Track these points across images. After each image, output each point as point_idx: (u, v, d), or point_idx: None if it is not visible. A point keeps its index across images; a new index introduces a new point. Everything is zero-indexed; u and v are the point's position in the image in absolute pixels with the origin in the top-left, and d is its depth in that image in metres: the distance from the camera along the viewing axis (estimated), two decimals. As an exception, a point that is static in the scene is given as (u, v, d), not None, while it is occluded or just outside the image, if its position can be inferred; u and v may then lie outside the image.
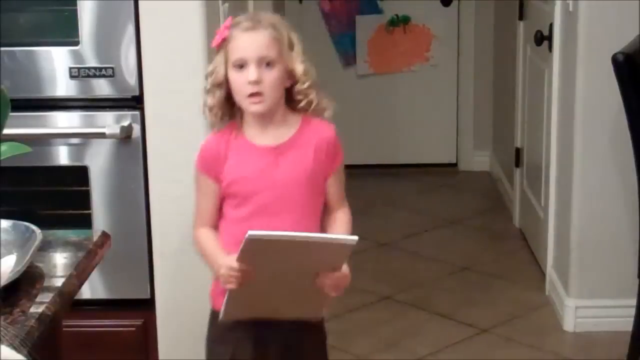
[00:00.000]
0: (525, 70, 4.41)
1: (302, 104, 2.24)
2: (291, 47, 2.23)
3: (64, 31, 2.68)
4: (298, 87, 2.23)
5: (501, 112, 5.24)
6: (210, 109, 2.22)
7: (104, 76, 2.67)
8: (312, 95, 2.25)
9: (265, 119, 2.21)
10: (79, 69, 2.67)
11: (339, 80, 5.60)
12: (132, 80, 2.67)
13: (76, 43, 2.66)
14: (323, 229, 2.28)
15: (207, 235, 2.27)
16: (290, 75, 2.22)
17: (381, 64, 5.63)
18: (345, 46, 5.62)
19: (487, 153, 5.61)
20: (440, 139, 5.69)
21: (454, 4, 5.52)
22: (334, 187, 2.33)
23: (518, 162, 4.59)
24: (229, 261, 2.11)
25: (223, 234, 2.26)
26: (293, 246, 2.03)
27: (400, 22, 5.58)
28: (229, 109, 2.24)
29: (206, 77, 2.24)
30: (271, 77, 2.17)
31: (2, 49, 2.65)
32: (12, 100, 1.73)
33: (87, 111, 2.71)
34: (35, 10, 2.74)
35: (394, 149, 5.67)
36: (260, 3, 3.50)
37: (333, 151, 2.29)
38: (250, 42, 2.16)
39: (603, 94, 3.34)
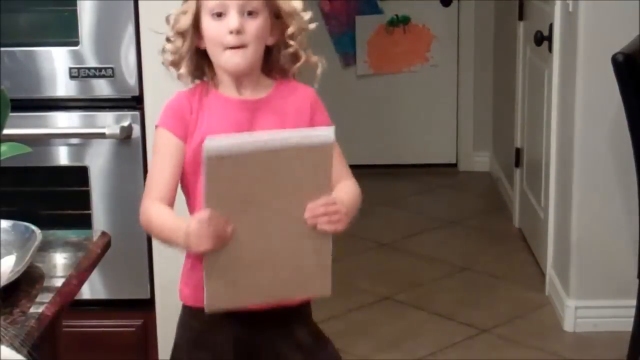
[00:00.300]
0: (525, 71, 4.41)
1: (286, 58, 2.01)
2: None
3: (64, 31, 2.68)
4: (289, 31, 1.98)
5: (501, 113, 5.24)
6: (174, 52, 1.96)
7: (104, 76, 2.67)
8: (301, 51, 2.04)
9: (242, 77, 1.97)
10: (78, 69, 2.67)
11: (339, 80, 5.60)
12: (132, 80, 2.67)
13: (76, 43, 2.66)
14: None
15: (164, 209, 1.92)
16: (274, 32, 1.97)
17: (381, 64, 5.63)
18: (345, 46, 5.62)
19: (487, 153, 5.61)
20: (440, 139, 5.69)
21: (454, 4, 5.52)
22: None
23: (518, 163, 4.59)
24: (197, 214, 1.79)
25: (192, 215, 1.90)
26: (264, 160, 1.72)
27: (400, 22, 5.58)
28: (195, 67, 1.98)
29: (167, 20, 1.98)
30: (255, 26, 1.92)
31: (2, 49, 2.65)
32: (12, 101, 1.73)
33: (87, 111, 2.71)
34: (35, 11, 2.74)
35: (394, 149, 5.67)
36: (260, 3, 3.49)
37: (318, 112, 2.04)
38: None
39: (603, 94, 3.34)
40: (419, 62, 5.61)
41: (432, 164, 5.67)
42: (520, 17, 4.49)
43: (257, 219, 1.76)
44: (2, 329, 1.37)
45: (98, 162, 2.72)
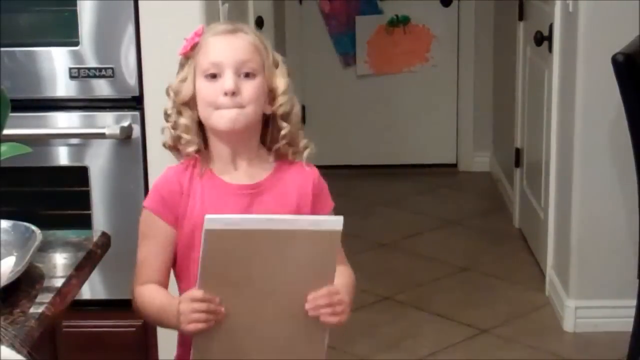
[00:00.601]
0: (525, 71, 4.41)
1: (283, 140, 1.85)
2: (275, 64, 1.87)
3: (64, 31, 2.68)
4: (279, 111, 1.85)
5: (501, 113, 5.24)
6: (187, 131, 1.82)
7: (103, 76, 2.67)
8: (294, 131, 1.87)
9: (238, 149, 1.84)
10: (78, 69, 2.67)
11: (339, 80, 5.61)
12: (132, 80, 2.67)
13: (76, 43, 2.66)
14: None
15: (155, 289, 1.82)
16: (270, 97, 1.84)
17: (381, 65, 5.63)
18: (345, 47, 5.62)
19: (487, 153, 5.61)
20: (440, 139, 5.69)
21: (454, 4, 5.52)
22: None
23: (518, 163, 4.59)
24: (189, 292, 1.70)
25: None
26: (265, 240, 1.65)
27: (400, 22, 5.58)
28: (199, 136, 1.84)
29: (167, 92, 1.87)
30: (251, 87, 1.80)
31: (2, 49, 2.65)
32: (12, 101, 1.73)
33: (87, 111, 2.71)
34: (35, 11, 2.73)
35: (394, 150, 5.67)
36: (260, 4, 3.49)
37: (321, 196, 1.92)
38: (227, 44, 1.81)
39: (603, 94, 3.34)
40: (419, 62, 5.61)
41: (432, 164, 5.67)
42: (520, 17, 4.49)
43: (252, 301, 1.69)
44: (2, 329, 1.37)
45: (98, 162, 2.72)
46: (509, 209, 4.84)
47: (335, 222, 1.70)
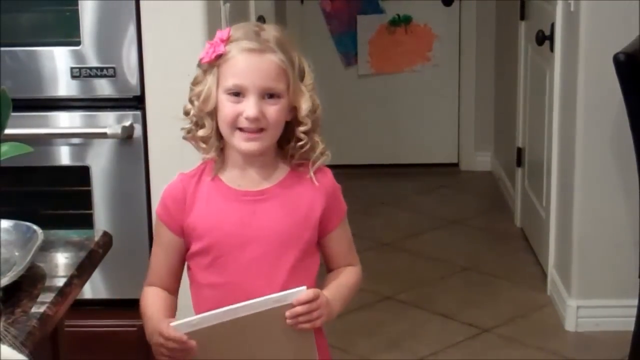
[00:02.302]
0: (527, 70, 4.41)
1: (302, 150, 1.83)
2: (302, 76, 1.83)
3: (65, 31, 2.68)
4: (300, 128, 1.82)
5: (502, 112, 5.24)
6: (205, 141, 1.81)
7: (105, 76, 2.67)
8: (315, 138, 1.84)
9: (254, 160, 1.82)
10: (80, 69, 2.67)
11: (341, 80, 5.60)
12: (133, 80, 2.67)
13: (77, 43, 2.66)
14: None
15: (154, 294, 1.86)
16: (291, 109, 1.82)
17: (382, 64, 5.63)
18: (347, 46, 5.62)
19: (488, 153, 5.61)
20: (442, 138, 5.69)
21: (456, 3, 5.52)
22: (339, 244, 1.91)
23: (519, 162, 4.59)
24: (164, 326, 1.71)
25: (195, 304, 1.86)
26: (236, 330, 1.68)
27: (401, 22, 5.57)
28: (220, 140, 1.82)
29: (191, 101, 1.82)
30: (275, 111, 1.76)
31: (4, 49, 2.65)
32: (13, 101, 1.73)
33: (88, 111, 2.71)
34: (36, 10, 2.74)
35: (396, 149, 5.67)
36: (261, 3, 3.49)
37: (335, 202, 1.90)
38: (253, 67, 1.75)
39: (604, 93, 3.34)
40: (421, 61, 5.61)
41: (434, 164, 5.67)
42: (522, 17, 4.49)
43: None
44: (3, 329, 1.37)
45: (99, 162, 2.72)
46: (510, 209, 4.84)
47: (299, 293, 1.72)
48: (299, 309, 1.71)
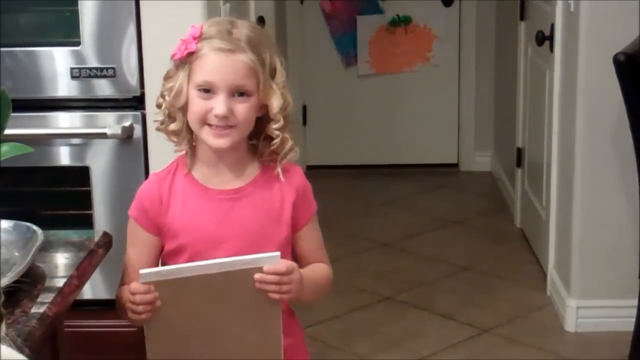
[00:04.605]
0: (527, 71, 4.41)
1: (274, 146, 1.85)
2: (273, 74, 1.84)
3: (65, 31, 2.68)
4: (272, 125, 1.83)
5: (502, 112, 5.24)
6: (177, 134, 1.84)
7: (105, 76, 2.67)
8: (285, 135, 1.85)
9: (224, 155, 1.84)
10: (80, 69, 2.67)
11: (340, 80, 5.61)
12: (133, 80, 2.67)
13: (77, 43, 2.66)
14: None
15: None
16: (262, 107, 1.83)
17: (382, 64, 5.63)
18: (347, 46, 5.62)
19: (488, 153, 5.61)
20: (442, 139, 5.69)
21: (455, 4, 5.52)
22: (308, 243, 1.92)
23: (519, 162, 4.59)
24: (132, 284, 1.72)
25: None
26: (205, 286, 1.69)
27: (401, 22, 5.57)
28: (191, 134, 1.84)
29: (163, 96, 1.84)
30: (244, 109, 1.79)
31: (4, 49, 2.65)
32: (13, 101, 1.73)
33: (88, 111, 2.71)
34: (36, 11, 2.74)
35: (395, 149, 5.67)
36: (261, 3, 3.49)
37: (305, 199, 1.91)
38: (223, 65, 1.78)
39: (604, 94, 3.34)
40: (420, 62, 5.61)
41: (433, 164, 5.67)
42: (522, 17, 4.49)
43: (204, 343, 1.75)
44: (3, 329, 1.37)
45: (99, 162, 2.72)
46: (510, 209, 4.84)
47: (273, 259, 1.72)
48: (269, 277, 1.71)
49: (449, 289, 3.99)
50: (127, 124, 2.68)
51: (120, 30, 2.65)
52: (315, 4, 5.58)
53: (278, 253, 1.73)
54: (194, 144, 1.86)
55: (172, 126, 1.84)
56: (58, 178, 2.75)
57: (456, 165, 5.72)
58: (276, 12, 4.61)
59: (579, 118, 3.45)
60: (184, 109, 1.82)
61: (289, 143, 1.86)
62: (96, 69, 2.67)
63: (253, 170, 1.88)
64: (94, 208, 2.74)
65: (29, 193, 2.76)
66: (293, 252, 1.92)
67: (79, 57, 2.67)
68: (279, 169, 1.87)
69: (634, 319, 3.00)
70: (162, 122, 1.86)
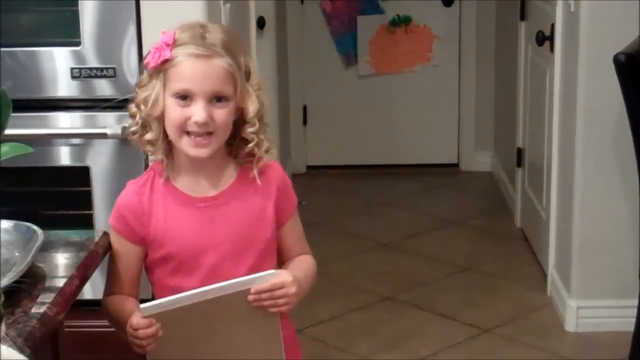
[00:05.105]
0: (527, 71, 4.41)
1: (249, 149, 1.83)
2: (247, 76, 1.82)
3: (66, 32, 2.68)
4: (248, 129, 1.82)
5: (503, 113, 5.24)
6: (153, 144, 1.81)
7: (105, 76, 2.67)
8: (260, 137, 1.83)
9: (203, 163, 1.82)
10: (80, 69, 2.67)
11: (340, 80, 5.61)
12: (133, 80, 2.67)
13: (77, 43, 2.66)
14: None
15: (119, 301, 1.86)
16: (237, 110, 1.81)
17: (382, 64, 5.63)
18: (347, 46, 5.62)
19: (488, 153, 5.61)
20: (442, 139, 5.69)
21: (456, 4, 5.52)
22: (291, 236, 1.93)
23: (519, 163, 4.59)
24: (133, 319, 1.72)
25: None
26: (205, 311, 1.71)
27: (401, 22, 5.57)
28: (168, 144, 1.82)
29: (138, 105, 1.81)
30: (223, 114, 1.76)
31: (4, 49, 2.65)
32: (13, 101, 1.73)
33: (88, 112, 2.71)
34: (36, 11, 2.74)
35: (395, 149, 5.67)
36: (261, 3, 3.50)
37: (285, 194, 1.90)
38: (201, 73, 1.75)
39: (604, 94, 3.34)
40: (421, 62, 5.61)
41: (434, 164, 5.67)
42: (522, 17, 4.49)
43: (199, 337, 1.76)
44: (3, 329, 1.37)
45: (100, 162, 2.72)
46: (510, 209, 4.84)
47: (269, 276, 1.75)
48: (262, 295, 1.73)
49: (449, 289, 3.99)
50: (127, 124, 2.68)
51: (120, 30, 2.65)
52: (315, 4, 5.58)
53: (273, 271, 1.76)
54: (171, 151, 1.84)
55: (148, 136, 1.81)
56: (58, 178, 2.75)
57: (456, 165, 5.72)
58: (276, 12, 4.62)
59: (579, 118, 3.45)
60: (160, 118, 1.79)
61: (265, 145, 1.85)
62: (96, 69, 2.67)
63: (231, 173, 1.87)
64: (94, 208, 2.74)
65: (29, 193, 2.76)
66: (277, 248, 1.93)
67: (79, 57, 2.67)
68: (254, 172, 1.85)
69: (634, 319, 3.00)
70: (134, 133, 1.84)
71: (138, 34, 2.64)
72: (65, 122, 2.72)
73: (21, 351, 1.35)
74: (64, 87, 2.69)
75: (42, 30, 2.75)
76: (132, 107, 1.84)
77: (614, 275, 3.50)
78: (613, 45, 2.99)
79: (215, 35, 1.79)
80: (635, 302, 3.00)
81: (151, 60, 1.78)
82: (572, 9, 3.49)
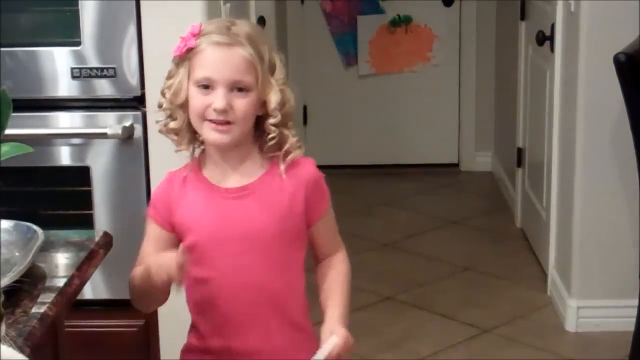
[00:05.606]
0: (527, 71, 4.41)
1: (271, 142, 1.84)
2: (272, 70, 1.84)
3: (66, 31, 2.68)
4: (269, 121, 1.82)
5: (503, 113, 5.24)
6: (177, 133, 1.85)
7: (105, 76, 2.67)
8: (285, 131, 1.84)
9: (230, 153, 1.84)
10: (80, 69, 2.67)
11: (341, 80, 5.61)
12: (133, 80, 2.67)
13: (78, 43, 2.66)
14: (315, 282, 1.96)
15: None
16: (262, 104, 1.82)
17: (383, 64, 5.63)
18: (347, 46, 5.62)
19: (488, 153, 5.61)
20: (442, 139, 5.69)
21: (456, 4, 5.52)
22: (324, 234, 1.93)
23: (520, 163, 4.59)
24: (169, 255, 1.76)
25: (187, 297, 1.90)
26: None
27: (401, 22, 5.58)
28: (193, 133, 1.85)
29: (163, 94, 1.85)
30: (243, 104, 1.78)
31: (4, 49, 2.65)
32: (13, 101, 1.73)
33: (88, 111, 2.71)
34: (36, 11, 2.74)
35: (396, 149, 5.67)
36: (262, 3, 3.49)
37: (317, 192, 1.89)
38: (222, 60, 1.78)
39: (605, 94, 3.34)
40: (421, 62, 5.62)
41: (434, 164, 5.68)
42: (522, 17, 4.50)
43: None
44: (4, 329, 1.38)
45: (100, 162, 2.72)
46: (510, 209, 4.84)
47: (331, 342, 1.84)
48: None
49: (449, 289, 3.99)
50: (127, 123, 2.68)
51: (120, 30, 2.65)
52: (315, 4, 5.59)
53: (334, 337, 1.83)
54: (202, 142, 1.86)
55: (172, 124, 1.84)
56: (58, 178, 2.75)
57: (457, 165, 5.72)
58: (276, 12, 4.61)
59: (580, 118, 3.45)
60: (185, 107, 1.82)
61: (291, 140, 1.85)
62: (97, 69, 2.67)
63: (259, 167, 1.87)
64: (94, 208, 2.74)
65: (30, 193, 2.75)
66: (310, 243, 1.93)
67: (79, 57, 2.67)
68: (282, 167, 1.86)
69: (634, 319, 3.00)
70: (164, 124, 1.87)
71: (138, 34, 2.64)
72: (65, 122, 2.72)
73: (21, 351, 1.35)
74: (64, 87, 2.69)
75: (42, 30, 2.75)
76: (160, 98, 1.87)
77: (614, 275, 3.50)
78: (613, 45, 2.99)
79: (240, 27, 1.82)
80: (635, 302, 3.00)
81: (177, 50, 1.82)
82: (572, 9, 3.49)
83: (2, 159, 1.72)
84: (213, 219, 1.84)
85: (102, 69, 2.67)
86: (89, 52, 2.66)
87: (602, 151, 3.44)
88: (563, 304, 3.62)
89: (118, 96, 2.70)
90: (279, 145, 1.85)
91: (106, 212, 2.74)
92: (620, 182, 3.44)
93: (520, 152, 4.59)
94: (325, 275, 1.97)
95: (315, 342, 1.96)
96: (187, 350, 1.96)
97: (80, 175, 2.73)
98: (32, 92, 2.69)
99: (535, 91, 4.24)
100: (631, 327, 3.02)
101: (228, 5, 2.86)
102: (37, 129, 2.67)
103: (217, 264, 1.84)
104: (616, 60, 2.86)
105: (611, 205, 3.48)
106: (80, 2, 2.64)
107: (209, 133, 1.80)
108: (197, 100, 1.79)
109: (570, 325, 3.56)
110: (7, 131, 1.71)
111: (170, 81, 1.83)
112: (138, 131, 2.69)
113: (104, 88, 2.68)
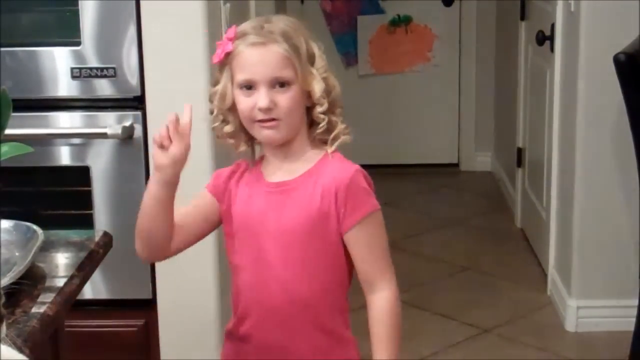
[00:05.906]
0: (527, 71, 4.41)
1: (320, 130, 1.85)
2: (311, 60, 1.86)
3: (66, 31, 2.68)
4: (317, 109, 1.85)
5: (503, 112, 5.24)
6: (232, 137, 1.87)
7: (105, 76, 2.67)
8: (333, 117, 1.88)
9: (278, 149, 1.86)
10: (80, 69, 2.67)
11: (341, 80, 5.55)
12: (133, 80, 2.67)
13: (78, 43, 2.66)
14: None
15: None
16: (307, 95, 1.85)
17: (383, 64, 5.63)
18: (347, 46, 5.62)
19: (488, 153, 5.61)
20: (442, 139, 5.69)
21: (456, 4, 5.52)
22: (358, 245, 1.87)
23: (520, 163, 4.59)
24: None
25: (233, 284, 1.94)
26: None
27: (401, 22, 5.58)
28: (248, 134, 1.87)
29: (211, 99, 1.88)
30: (286, 99, 1.80)
31: (4, 49, 2.65)
32: (13, 101, 1.73)
33: (88, 111, 2.71)
34: (36, 11, 2.74)
35: (396, 149, 5.67)
36: (262, 3, 3.49)
37: (350, 199, 1.86)
38: (259, 60, 1.80)
39: (605, 94, 3.34)
40: (421, 62, 5.62)
41: (434, 164, 5.68)
42: (522, 17, 4.50)
43: None
44: (4, 329, 1.38)
45: (100, 162, 2.72)
46: (510, 209, 4.84)
47: None
48: None
49: (449, 289, 3.99)
50: (127, 123, 2.68)
51: (120, 30, 2.65)
52: (315, 4, 5.59)
53: None
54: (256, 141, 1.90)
55: (227, 128, 1.87)
56: (58, 178, 2.75)
57: (457, 165, 5.72)
58: (276, 12, 4.61)
59: (580, 118, 3.45)
60: (234, 110, 1.84)
61: (340, 126, 1.89)
62: (97, 68, 2.67)
63: (309, 161, 1.88)
64: (94, 208, 2.74)
65: (29, 193, 2.75)
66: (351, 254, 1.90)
67: (79, 57, 2.67)
68: (329, 150, 1.88)
69: (634, 319, 3.00)
70: (219, 129, 1.89)
71: (138, 34, 2.64)
72: (65, 122, 2.72)
73: (21, 351, 1.35)
74: (64, 87, 2.69)
75: (43, 29, 2.75)
76: (210, 105, 1.89)
77: (614, 275, 3.50)
78: (613, 45, 2.99)
79: (274, 24, 1.85)
80: (635, 302, 3.00)
81: (216, 57, 1.84)
82: (572, 9, 3.49)
83: (2, 159, 1.72)
84: (251, 210, 1.86)
85: (102, 69, 2.66)
86: (89, 52, 2.66)
87: (602, 151, 3.44)
88: (563, 304, 3.62)
89: (118, 96, 2.70)
90: (329, 132, 1.88)
91: (106, 212, 2.74)
92: (620, 182, 3.44)
93: (520, 152, 4.59)
94: (369, 313, 2.01)
95: (352, 351, 2.01)
96: (226, 332, 1.98)
97: (80, 175, 2.72)
98: (32, 92, 2.69)
99: (535, 91, 4.24)
100: (631, 327, 3.02)
101: (228, 5, 2.86)
102: (37, 129, 2.67)
103: (247, 255, 1.87)
104: (616, 60, 2.86)
105: (611, 205, 3.48)
106: (80, 2, 2.64)
107: (260, 132, 1.83)
108: (243, 103, 1.81)
109: (570, 325, 3.56)
110: (7, 131, 1.71)
111: (216, 88, 1.86)
112: (138, 131, 2.69)
113: (103, 88, 2.68)
